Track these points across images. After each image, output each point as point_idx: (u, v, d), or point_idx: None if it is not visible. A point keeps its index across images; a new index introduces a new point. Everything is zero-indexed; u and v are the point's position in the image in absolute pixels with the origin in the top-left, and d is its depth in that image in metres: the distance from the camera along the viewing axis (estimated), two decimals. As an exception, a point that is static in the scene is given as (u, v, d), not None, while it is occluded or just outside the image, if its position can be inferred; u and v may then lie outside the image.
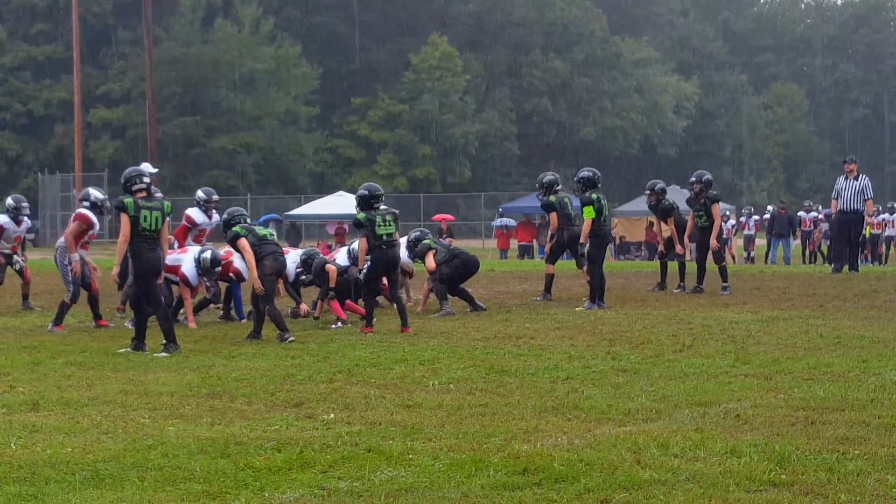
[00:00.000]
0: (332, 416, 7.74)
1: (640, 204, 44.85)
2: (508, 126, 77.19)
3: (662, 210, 18.10)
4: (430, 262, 15.14)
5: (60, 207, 53.75)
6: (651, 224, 39.64)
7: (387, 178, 68.86)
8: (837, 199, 21.18)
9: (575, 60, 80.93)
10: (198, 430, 7.29)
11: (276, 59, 68.75)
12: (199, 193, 15.50)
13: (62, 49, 65.47)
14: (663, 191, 18.28)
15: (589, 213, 15.41)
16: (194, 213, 15.27)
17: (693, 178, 17.79)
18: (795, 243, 34.09)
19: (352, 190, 60.93)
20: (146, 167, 19.18)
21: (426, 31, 75.69)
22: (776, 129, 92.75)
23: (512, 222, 40.12)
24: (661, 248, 18.40)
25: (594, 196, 15.48)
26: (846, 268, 20.94)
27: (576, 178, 16.31)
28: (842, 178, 21.31)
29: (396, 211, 13.68)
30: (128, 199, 11.31)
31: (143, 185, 11.49)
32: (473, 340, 11.81)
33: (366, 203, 13.28)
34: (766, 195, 79.68)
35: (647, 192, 18.62)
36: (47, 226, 53.57)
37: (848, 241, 21.50)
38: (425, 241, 15.57)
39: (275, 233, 13.65)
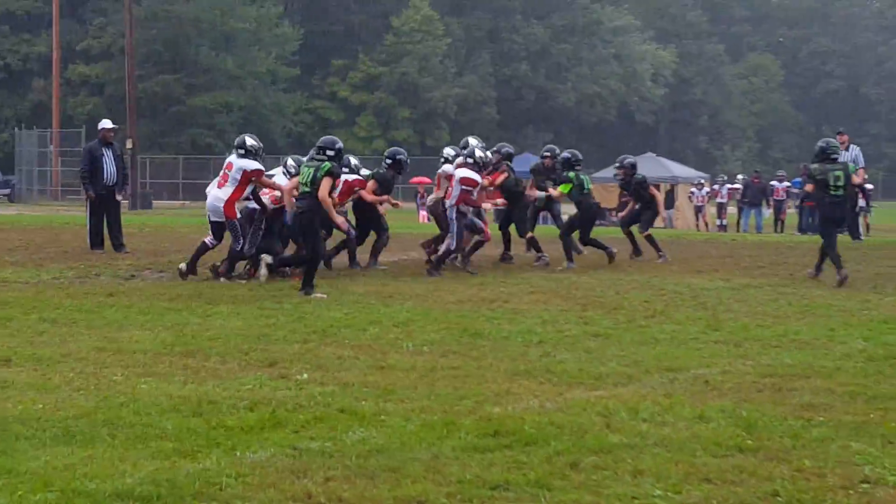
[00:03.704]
0: (306, 376, 7.78)
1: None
2: (488, 90, 76.98)
3: (638, 183, 18.02)
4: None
5: (37, 163, 53.48)
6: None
7: (365, 139, 68.75)
8: None
9: (555, 26, 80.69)
10: (170, 389, 7.31)
11: (258, 18, 68.29)
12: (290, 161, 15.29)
13: (42, 3, 64.75)
14: (633, 165, 18.20)
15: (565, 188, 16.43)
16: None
17: (617, 163, 18.31)
18: (768, 212, 34.33)
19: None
20: (106, 122, 19.26)
21: (407, -7, 75.33)
22: (751, 99, 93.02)
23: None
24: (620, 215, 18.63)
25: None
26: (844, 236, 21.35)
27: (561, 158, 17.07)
28: None
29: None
30: None
31: None
32: (447, 303, 11.86)
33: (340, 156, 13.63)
34: (740, 164, 79.84)
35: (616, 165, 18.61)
36: (23, 181, 53.27)
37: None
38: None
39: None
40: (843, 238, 21.33)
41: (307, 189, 12.82)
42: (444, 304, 11.76)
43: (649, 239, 17.66)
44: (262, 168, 14.07)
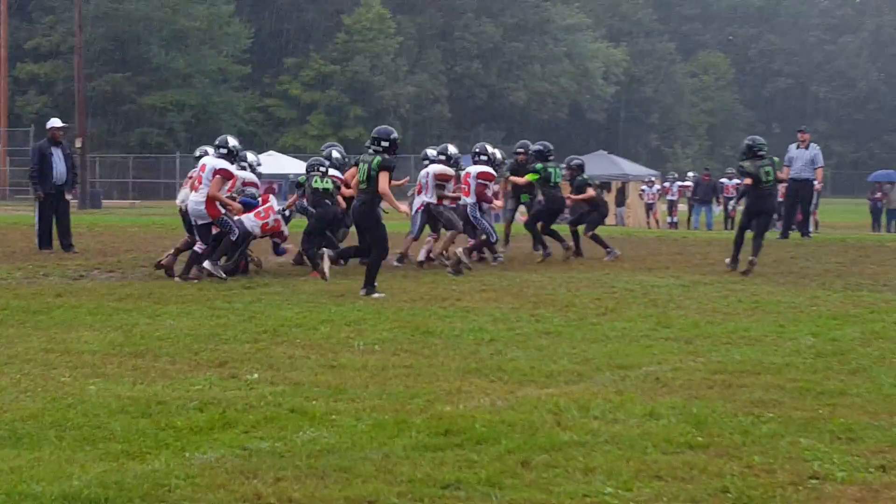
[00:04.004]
0: (256, 376, 7.74)
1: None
2: (440, 89, 77.04)
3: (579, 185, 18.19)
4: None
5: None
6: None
7: (317, 138, 68.48)
8: (790, 165, 21.74)
9: (506, 25, 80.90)
10: (119, 390, 7.24)
11: (209, 16, 67.90)
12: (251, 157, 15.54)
13: (-12, 2, 64.04)
14: (579, 167, 18.34)
15: None
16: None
17: (564, 164, 18.34)
18: (718, 210, 34.57)
19: (282, 149, 60.68)
20: (55, 121, 19.06)
21: (359, -9, 75.23)
22: (702, 97, 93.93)
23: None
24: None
25: None
26: (795, 233, 21.68)
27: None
28: (794, 147, 21.95)
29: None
30: None
31: None
32: (399, 301, 11.84)
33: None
34: (690, 162, 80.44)
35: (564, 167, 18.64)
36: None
37: (797, 206, 22.26)
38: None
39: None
40: (793, 235, 21.61)
41: (364, 186, 12.80)
42: (395, 303, 11.74)
43: (595, 238, 17.68)
44: (230, 169, 13.87)
